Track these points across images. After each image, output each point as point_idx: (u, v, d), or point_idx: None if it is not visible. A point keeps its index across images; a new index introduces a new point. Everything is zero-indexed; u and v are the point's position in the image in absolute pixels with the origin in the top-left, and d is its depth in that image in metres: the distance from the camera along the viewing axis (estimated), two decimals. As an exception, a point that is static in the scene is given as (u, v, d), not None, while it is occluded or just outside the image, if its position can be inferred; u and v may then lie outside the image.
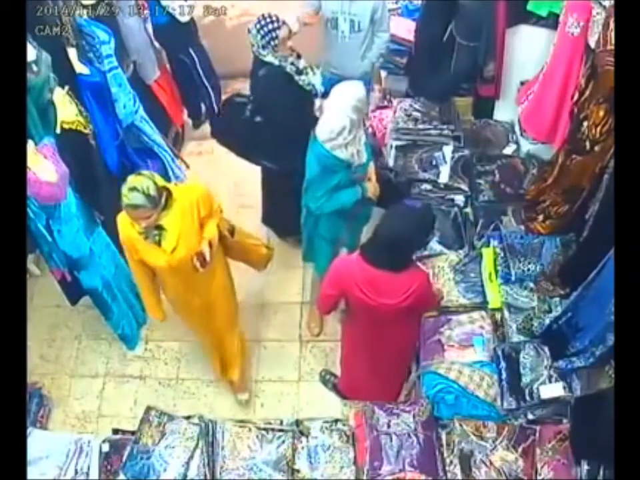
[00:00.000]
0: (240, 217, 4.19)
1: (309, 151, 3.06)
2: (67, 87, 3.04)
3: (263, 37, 3.28)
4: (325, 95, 3.21)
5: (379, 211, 3.34)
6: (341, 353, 3.39)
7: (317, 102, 3.52)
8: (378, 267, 2.57)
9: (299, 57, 3.47)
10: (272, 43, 3.30)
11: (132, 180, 2.57)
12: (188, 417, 2.75)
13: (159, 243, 2.76)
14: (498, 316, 3.00)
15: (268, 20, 3.28)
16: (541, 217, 3.18)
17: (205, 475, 2.57)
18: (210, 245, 2.85)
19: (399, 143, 3.77)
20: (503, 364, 2.76)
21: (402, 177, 3.63)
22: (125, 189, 2.55)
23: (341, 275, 2.73)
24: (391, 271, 2.57)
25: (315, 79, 3.50)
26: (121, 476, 2.62)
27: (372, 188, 3.22)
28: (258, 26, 3.30)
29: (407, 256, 2.64)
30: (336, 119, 2.90)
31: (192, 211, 2.78)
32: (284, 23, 3.30)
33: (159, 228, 2.73)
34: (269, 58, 3.34)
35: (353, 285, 2.63)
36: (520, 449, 2.54)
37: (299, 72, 3.43)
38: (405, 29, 4.05)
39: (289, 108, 3.38)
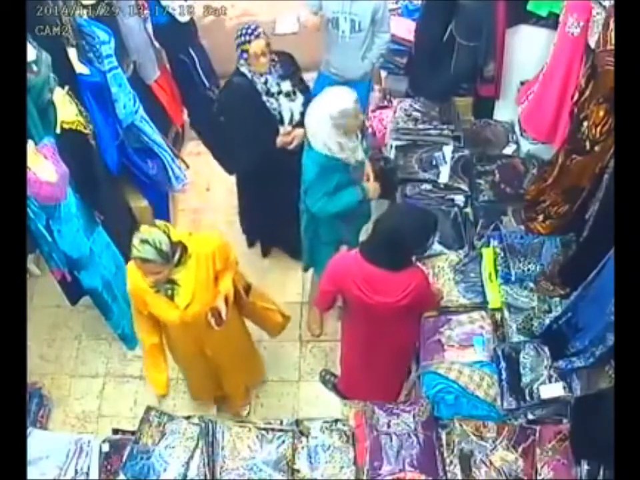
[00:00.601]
0: (237, 216, 4.20)
1: (305, 155, 3.05)
2: (66, 87, 3.04)
3: (237, 47, 3.23)
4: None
5: (378, 208, 3.36)
6: (341, 351, 3.39)
7: (283, 129, 3.44)
8: (376, 265, 2.57)
9: (283, 77, 3.35)
10: (243, 55, 3.24)
11: (145, 231, 2.40)
12: (188, 417, 2.75)
13: (171, 297, 2.59)
14: (498, 316, 3.00)
15: (242, 32, 3.20)
16: (540, 217, 3.18)
17: (205, 475, 2.57)
18: (226, 300, 2.67)
19: (399, 142, 3.77)
20: (503, 364, 2.76)
21: (394, 166, 3.63)
22: (136, 240, 2.37)
23: (339, 272, 2.73)
24: (389, 269, 2.57)
25: (288, 105, 3.40)
26: (121, 476, 2.62)
27: (372, 188, 3.21)
28: (235, 36, 3.24)
29: (405, 256, 2.64)
30: (320, 128, 2.89)
31: (207, 264, 2.61)
32: (257, 37, 3.17)
33: (172, 282, 2.56)
34: (244, 69, 3.30)
35: (351, 283, 2.64)
36: (520, 449, 2.54)
37: (269, 93, 3.35)
38: (405, 28, 4.05)
39: (248, 120, 3.36)
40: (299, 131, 3.41)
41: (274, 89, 3.36)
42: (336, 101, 2.89)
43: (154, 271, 2.44)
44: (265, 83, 3.33)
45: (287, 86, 3.38)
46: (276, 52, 3.39)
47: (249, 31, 3.18)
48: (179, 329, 2.77)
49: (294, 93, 3.41)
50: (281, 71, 3.36)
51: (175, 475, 2.56)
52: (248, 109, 3.36)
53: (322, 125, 2.90)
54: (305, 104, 3.40)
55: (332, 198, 3.06)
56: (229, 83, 3.41)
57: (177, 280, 2.56)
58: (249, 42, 3.18)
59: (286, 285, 4.06)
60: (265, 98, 3.36)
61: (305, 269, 3.84)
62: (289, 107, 3.42)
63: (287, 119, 3.45)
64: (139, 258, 2.39)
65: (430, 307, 2.97)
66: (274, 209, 3.75)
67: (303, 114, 3.38)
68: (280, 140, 3.47)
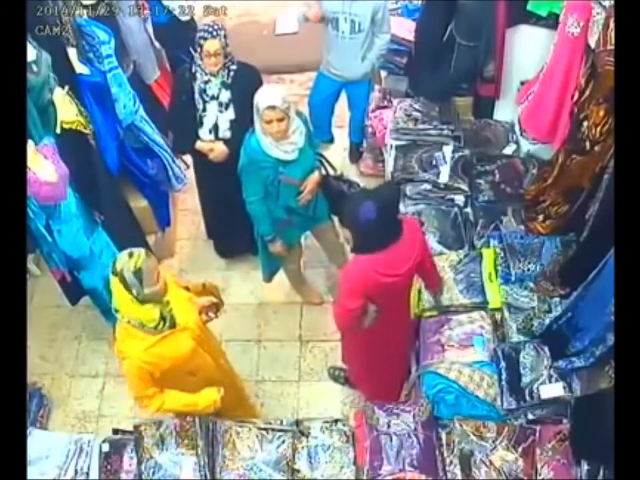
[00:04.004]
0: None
1: (245, 141, 3.08)
2: (66, 87, 3.05)
3: (197, 39, 3.21)
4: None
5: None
6: (342, 352, 3.39)
7: (202, 133, 3.44)
8: (385, 247, 2.52)
9: (227, 86, 3.30)
10: (198, 49, 3.22)
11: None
12: (188, 417, 2.75)
13: (174, 325, 2.51)
14: (498, 316, 3.00)
15: (205, 27, 3.20)
16: (540, 217, 3.18)
17: (205, 475, 2.57)
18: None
19: (399, 142, 3.77)
20: (502, 364, 2.76)
21: (400, 175, 3.60)
22: (119, 262, 2.31)
23: (362, 282, 2.60)
24: (395, 240, 2.53)
25: (215, 113, 3.37)
26: (122, 476, 2.62)
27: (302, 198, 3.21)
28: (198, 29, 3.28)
29: (397, 217, 2.61)
30: (255, 117, 2.96)
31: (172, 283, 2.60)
32: (214, 37, 3.15)
33: (166, 306, 2.48)
34: (197, 60, 3.28)
35: (376, 280, 2.55)
36: (520, 449, 2.54)
37: (203, 94, 3.33)
38: (405, 29, 4.05)
39: (176, 110, 3.49)
40: (220, 147, 3.43)
41: (211, 92, 3.33)
42: (265, 94, 2.93)
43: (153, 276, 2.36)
44: (206, 82, 3.31)
45: (225, 95, 3.34)
46: (243, 63, 3.37)
47: (210, 29, 3.19)
48: (195, 356, 2.62)
49: (227, 105, 3.36)
50: (228, 80, 3.31)
51: (176, 475, 2.56)
52: (179, 99, 3.43)
53: (255, 114, 2.95)
54: (235, 123, 3.37)
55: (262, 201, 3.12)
56: (181, 66, 3.50)
57: (169, 300, 2.50)
58: (205, 39, 3.17)
59: (286, 285, 4.05)
60: (196, 96, 3.35)
61: (267, 279, 3.83)
62: (214, 115, 3.39)
63: (207, 124, 3.42)
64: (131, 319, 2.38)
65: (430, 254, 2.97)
66: (223, 208, 3.79)
67: (231, 130, 3.40)
68: (199, 145, 3.48)
